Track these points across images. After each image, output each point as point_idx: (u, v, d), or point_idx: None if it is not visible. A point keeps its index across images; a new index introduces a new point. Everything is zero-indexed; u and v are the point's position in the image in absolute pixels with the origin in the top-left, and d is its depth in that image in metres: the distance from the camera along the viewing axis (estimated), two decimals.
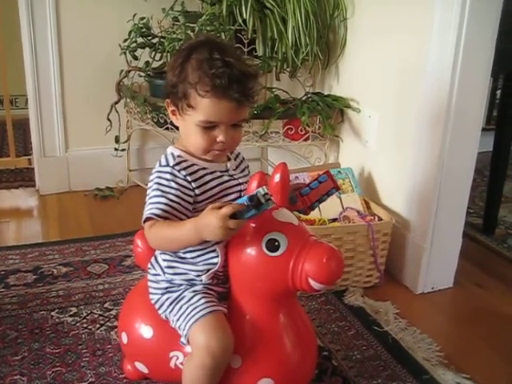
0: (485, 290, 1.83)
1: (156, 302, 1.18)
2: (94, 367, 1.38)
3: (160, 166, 1.12)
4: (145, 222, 1.10)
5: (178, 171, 1.09)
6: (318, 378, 1.36)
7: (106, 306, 1.63)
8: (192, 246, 1.09)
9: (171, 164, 1.10)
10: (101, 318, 1.58)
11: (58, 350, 1.44)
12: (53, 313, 1.59)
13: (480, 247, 2.12)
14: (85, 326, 1.54)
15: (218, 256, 1.12)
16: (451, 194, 1.72)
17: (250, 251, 1.08)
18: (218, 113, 1.07)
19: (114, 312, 1.59)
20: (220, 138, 1.09)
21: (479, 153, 1.74)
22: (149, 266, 1.22)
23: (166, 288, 1.17)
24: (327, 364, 1.43)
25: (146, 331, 1.19)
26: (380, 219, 1.80)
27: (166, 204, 1.08)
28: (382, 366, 1.43)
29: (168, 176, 1.09)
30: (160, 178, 1.10)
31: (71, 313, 1.59)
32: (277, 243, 1.05)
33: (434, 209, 1.72)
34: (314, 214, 1.78)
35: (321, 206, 1.78)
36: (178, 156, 1.12)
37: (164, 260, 1.17)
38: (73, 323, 1.55)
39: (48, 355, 1.42)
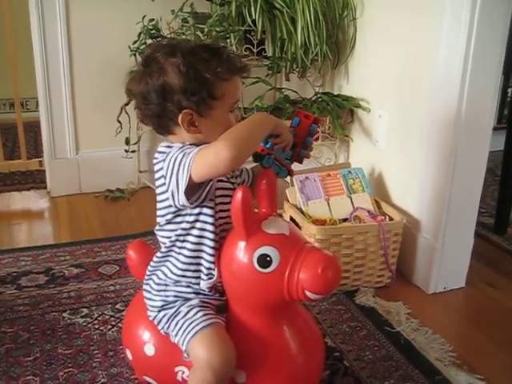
0: (497, 289, 1.82)
1: (154, 319, 1.15)
2: (106, 368, 1.38)
3: (174, 147, 1.06)
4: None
5: None
6: (329, 378, 1.36)
7: (117, 307, 1.64)
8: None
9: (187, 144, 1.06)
10: (112, 319, 1.58)
11: (69, 351, 1.44)
12: (64, 314, 1.60)
13: (492, 247, 2.11)
14: (96, 326, 1.54)
15: (214, 268, 1.10)
16: (462, 193, 1.71)
17: (242, 268, 1.04)
18: (239, 89, 1.09)
19: (125, 313, 1.59)
20: (237, 115, 1.11)
21: (490, 152, 1.73)
22: (144, 282, 1.19)
23: (162, 306, 1.14)
24: (339, 365, 1.42)
25: (148, 349, 1.17)
26: (391, 219, 1.79)
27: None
28: (394, 367, 1.42)
29: (192, 148, 1.03)
30: (183, 149, 1.03)
31: (83, 314, 1.60)
32: (269, 258, 1.02)
33: (446, 208, 1.71)
34: (324, 214, 1.78)
35: (331, 206, 1.81)
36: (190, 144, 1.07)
37: (156, 284, 1.15)
38: (84, 324, 1.55)
39: (60, 356, 1.43)
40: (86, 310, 1.62)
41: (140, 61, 1.11)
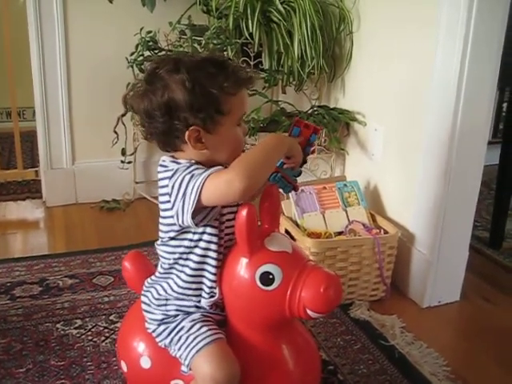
0: (492, 303, 1.82)
1: (153, 332, 1.14)
2: (99, 380, 1.38)
3: (180, 164, 1.04)
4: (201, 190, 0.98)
5: None
6: None
7: (111, 318, 1.63)
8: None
9: (193, 163, 1.05)
10: (106, 330, 1.57)
11: (62, 363, 1.43)
12: (58, 325, 1.59)
13: (487, 261, 2.11)
14: (90, 338, 1.54)
15: (216, 287, 1.09)
16: (457, 207, 1.72)
17: (244, 285, 1.04)
18: (246, 102, 1.08)
19: (119, 325, 1.58)
20: (245, 128, 1.10)
21: (486, 166, 1.73)
22: (142, 293, 1.18)
23: (162, 319, 1.12)
24: (332, 378, 1.42)
25: (144, 362, 1.15)
26: (386, 232, 1.80)
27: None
28: (388, 381, 1.42)
29: (201, 169, 1.01)
30: (190, 168, 1.02)
31: (76, 325, 1.59)
32: (271, 276, 1.01)
33: (441, 222, 1.72)
34: (319, 227, 1.78)
35: (327, 218, 1.81)
36: (196, 162, 1.05)
37: (156, 298, 1.13)
38: (78, 335, 1.55)
39: (53, 368, 1.42)
40: (79, 321, 1.61)
41: (143, 77, 1.08)
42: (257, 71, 2.09)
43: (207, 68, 1.03)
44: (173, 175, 1.02)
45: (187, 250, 1.08)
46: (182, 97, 1.01)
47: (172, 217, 1.03)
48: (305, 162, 1.15)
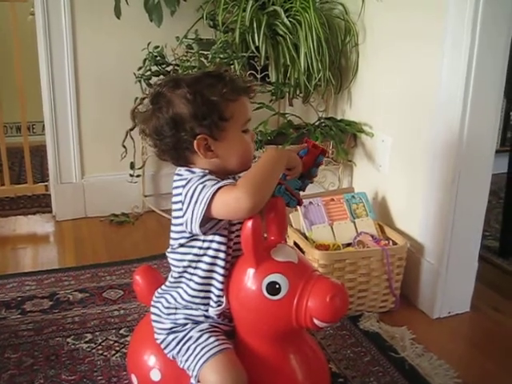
0: (502, 313, 1.81)
1: (162, 342, 1.15)
2: None
3: (194, 173, 1.08)
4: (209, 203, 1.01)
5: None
6: None
7: (121, 332, 1.63)
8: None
9: (207, 172, 1.08)
10: (116, 344, 1.58)
11: (73, 377, 1.44)
12: (68, 339, 1.60)
13: (496, 270, 2.10)
14: (100, 352, 1.54)
15: (223, 296, 1.10)
16: (466, 216, 1.72)
17: (251, 295, 1.05)
18: (247, 109, 1.11)
19: (129, 338, 1.59)
20: (253, 134, 1.13)
21: (494, 174, 1.73)
22: (151, 304, 1.20)
23: (171, 328, 1.14)
24: None
25: (154, 374, 1.16)
26: (394, 243, 1.80)
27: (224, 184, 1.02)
28: None
29: (214, 181, 1.04)
30: (204, 178, 1.05)
31: (87, 339, 1.60)
32: (278, 286, 1.02)
33: (449, 232, 1.71)
34: (328, 239, 1.79)
35: (335, 230, 1.81)
36: (209, 172, 1.08)
37: (165, 307, 1.15)
38: (88, 350, 1.55)
39: (64, 382, 1.42)
40: (89, 336, 1.61)
41: (148, 101, 1.12)
42: (263, 84, 2.10)
43: (206, 80, 1.09)
44: (186, 184, 1.06)
45: (196, 258, 1.10)
46: (186, 109, 1.06)
47: (183, 224, 1.06)
48: (311, 182, 1.19)
